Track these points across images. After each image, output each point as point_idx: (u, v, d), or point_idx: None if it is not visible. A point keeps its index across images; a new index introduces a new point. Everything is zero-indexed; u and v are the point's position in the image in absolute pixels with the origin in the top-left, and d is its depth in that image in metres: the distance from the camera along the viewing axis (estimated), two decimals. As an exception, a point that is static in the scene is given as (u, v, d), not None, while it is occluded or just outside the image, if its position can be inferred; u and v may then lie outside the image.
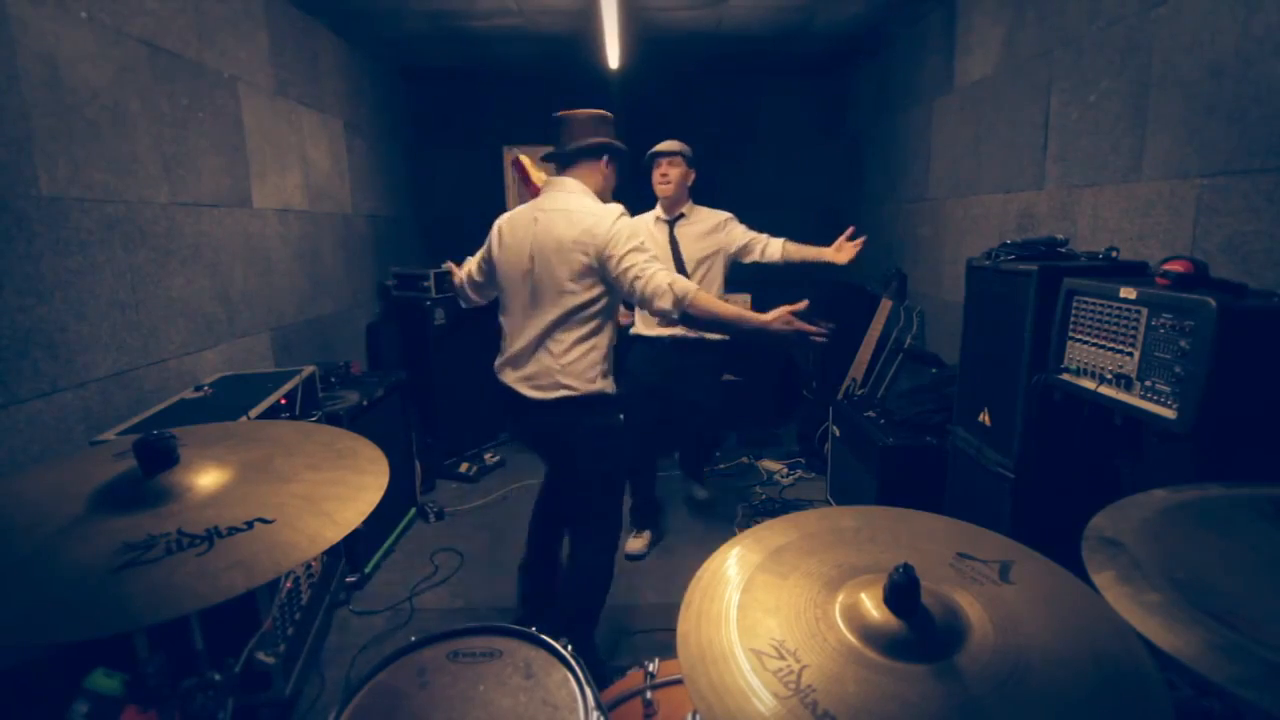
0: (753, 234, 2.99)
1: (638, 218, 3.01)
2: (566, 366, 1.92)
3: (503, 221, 2.08)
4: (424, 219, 5.20)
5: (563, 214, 1.90)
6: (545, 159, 2.05)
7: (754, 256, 2.98)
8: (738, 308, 1.92)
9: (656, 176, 2.92)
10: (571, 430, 1.99)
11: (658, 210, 3.02)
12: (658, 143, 2.93)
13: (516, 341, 1.99)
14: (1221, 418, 1.34)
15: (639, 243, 1.85)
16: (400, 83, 4.88)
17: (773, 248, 2.96)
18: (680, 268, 2.92)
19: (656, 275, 1.82)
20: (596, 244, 1.83)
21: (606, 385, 1.98)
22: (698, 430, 3.38)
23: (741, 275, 3.36)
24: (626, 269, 1.82)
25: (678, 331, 2.90)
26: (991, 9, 3.00)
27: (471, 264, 2.28)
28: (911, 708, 0.67)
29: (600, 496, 2.07)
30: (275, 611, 1.94)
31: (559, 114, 2.00)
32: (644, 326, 3.01)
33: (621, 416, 2.03)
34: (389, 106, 4.62)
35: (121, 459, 1.06)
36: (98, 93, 2.02)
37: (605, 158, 2.02)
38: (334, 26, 3.70)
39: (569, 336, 1.91)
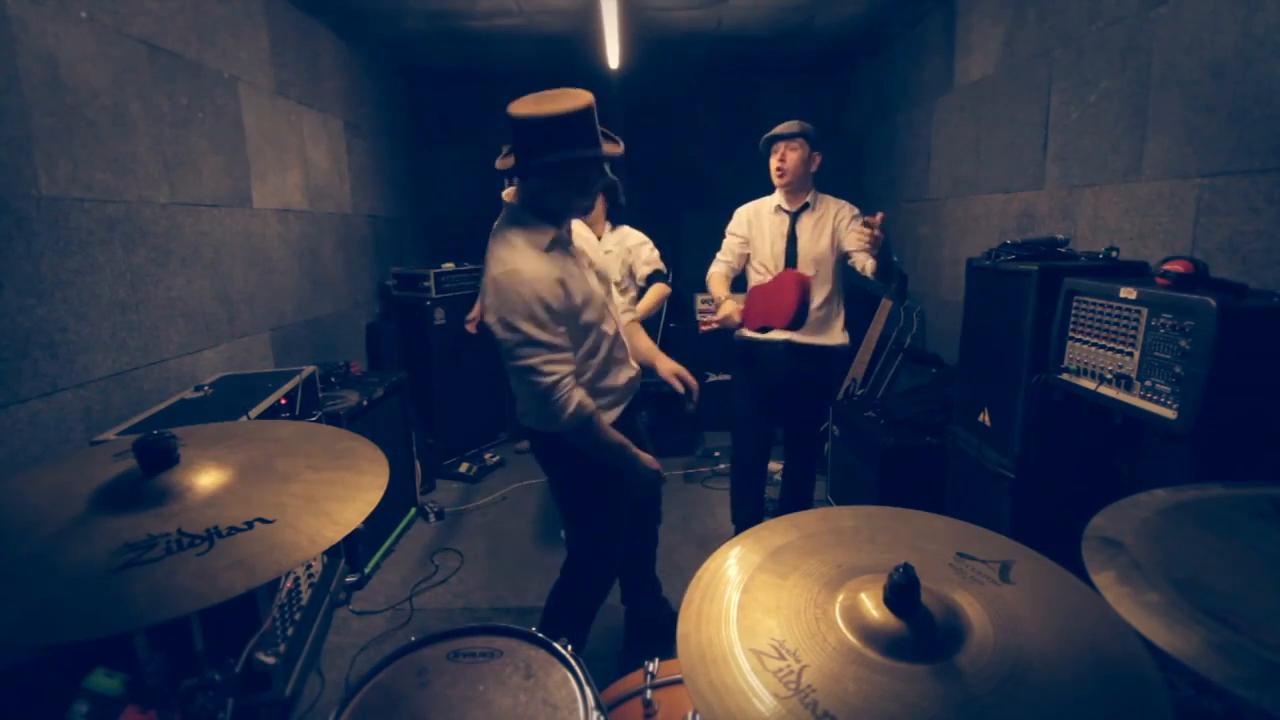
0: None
1: (747, 206, 2.80)
2: (521, 407, 1.77)
3: None
4: (424, 219, 5.20)
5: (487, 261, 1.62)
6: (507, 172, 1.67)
7: (855, 266, 2.59)
8: (622, 440, 1.71)
9: (773, 163, 2.62)
10: (539, 459, 1.89)
11: (778, 198, 2.70)
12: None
13: None
14: (1221, 418, 1.34)
15: (528, 335, 1.51)
16: (400, 83, 4.89)
17: (865, 264, 2.52)
18: (790, 267, 2.65)
19: (553, 389, 1.54)
20: (489, 318, 1.55)
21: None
22: (802, 453, 2.87)
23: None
24: (515, 370, 1.54)
25: (793, 336, 2.63)
26: (991, 9, 3.00)
27: None
28: (911, 708, 0.67)
29: (571, 520, 1.95)
30: (275, 611, 1.94)
31: (517, 111, 1.52)
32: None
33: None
34: (389, 106, 4.62)
35: (121, 459, 1.06)
36: (98, 93, 2.02)
37: (574, 176, 1.58)
38: (334, 26, 3.70)
39: (515, 382, 1.71)
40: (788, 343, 2.70)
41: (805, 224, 2.67)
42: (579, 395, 1.58)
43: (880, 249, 2.32)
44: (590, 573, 2.00)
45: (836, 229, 2.64)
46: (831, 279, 2.68)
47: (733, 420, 2.94)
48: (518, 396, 1.77)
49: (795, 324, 2.35)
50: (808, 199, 2.67)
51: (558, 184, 1.59)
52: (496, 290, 1.51)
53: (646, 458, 1.74)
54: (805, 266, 2.66)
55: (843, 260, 2.66)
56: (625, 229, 2.94)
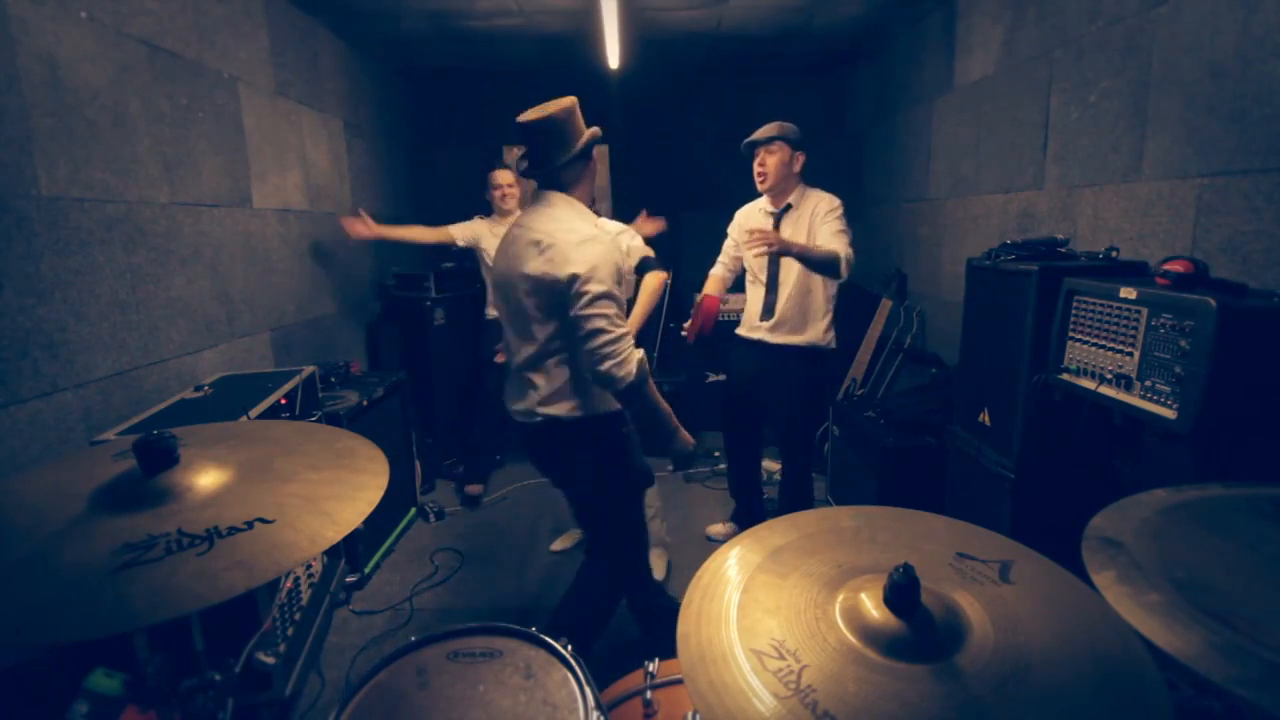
0: (834, 236, 2.53)
1: (743, 208, 2.91)
2: (545, 393, 1.81)
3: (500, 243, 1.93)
4: (424, 219, 5.17)
5: (535, 236, 1.73)
6: (525, 172, 1.83)
7: None
8: (669, 408, 1.84)
9: (755, 168, 2.67)
10: (557, 454, 1.92)
11: (764, 201, 2.78)
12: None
13: (511, 365, 1.93)
14: (1221, 418, 1.34)
15: (611, 288, 1.67)
16: (400, 83, 4.88)
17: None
18: (774, 268, 2.72)
19: (620, 341, 1.67)
20: (560, 280, 1.67)
21: (594, 406, 1.82)
22: (792, 452, 2.87)
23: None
24: (589, 316, 1.65)
25: (765, 336, 2.77)
26: (991, 9, 3.00)
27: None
28: (911, 708, 0.67)
29: (602, 517, 1.97)
30: (275, 611, 1.94)
31: (524, 120, 1.74)
32: (742, 327, 2.89)
33: (626, 428, 1.89)
34: (389, 106, 4.62)
35: (121, 459, 1.06)
36: (98, 93, 2.02)
37: (594, 151, 1.83)
38: (334, 26, 3.70)
39: (550, 365, 1.79)
40: (760, 342, 2.80)
41: (787, 224, 2.71)
42: (640, 352, 1.73)
43: (784, 253, 2.42)
44: (618, 573, 2.02)
45: (811, 225, 2.63)
46: (810, 278, 2.68)
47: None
48: (553, 378, 1.79)
49: (697, 343, 2.75)
50: (790, 199, 2.69)
51: (587, 165, 1.83)
52: (581, 250, 1.67)
53: (684, 431, 1.89)
54: (788, 268, 2.70)
55: None
56: (602, 221, 2.73)
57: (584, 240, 1.69)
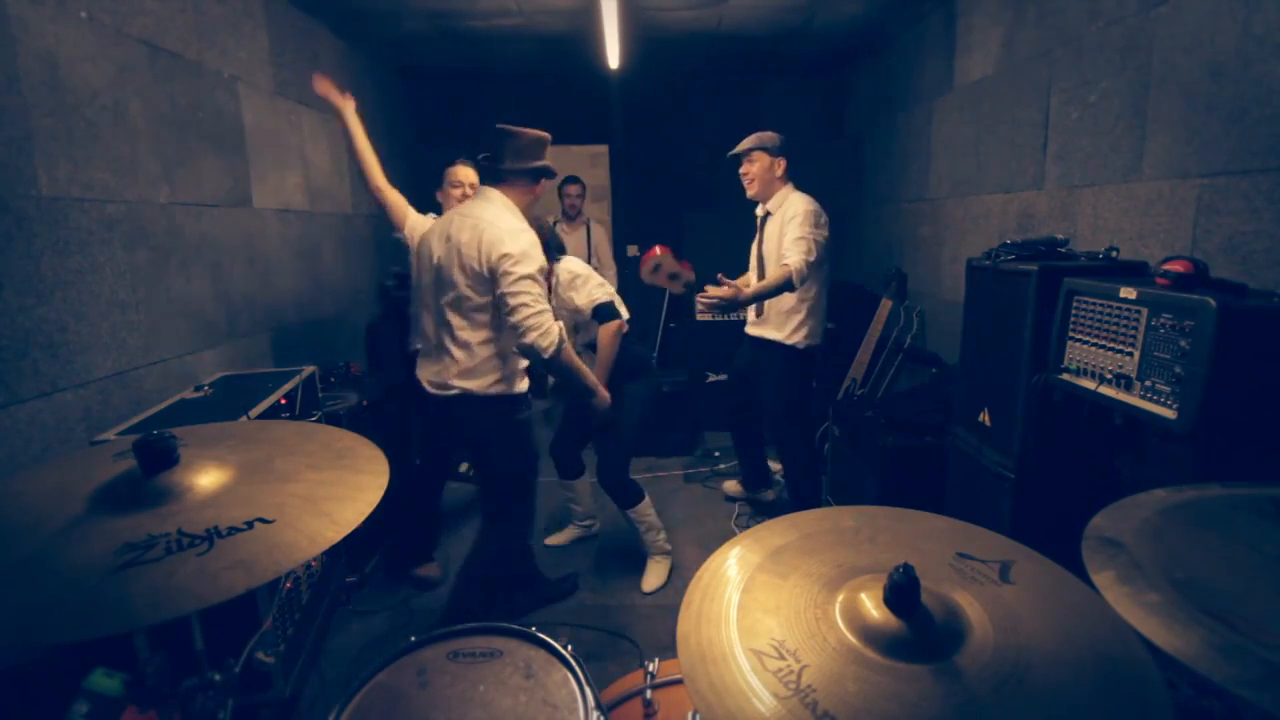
0: (792, 244, 2.64)
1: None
2: (464, 367, 2.02)
3: (434, 223, 2.19)
4: (424, 219, 5.20)
5: (474, 221, 1.97)
6: (479, 162, 2.08)
7: None
8: (593, 375, 2.14)
9: (741, 176, 2.86)
10: (466, 427, 2.11)
11: (758, 205, 2.96)
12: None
13: (424, 339, 2.15)
14: (1221, 418, 1.34)
15: (535, 272, 1.91)
16: (400, 83, 4.88)
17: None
18: (760, 269, 2.92)
19: (543, 315, 1.90)
20: (491, 259, 1.89)
21: (507, 386, 2.05)
22: (781, 440, 3.05)
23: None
24: (515, 293, 1.88)
25: (751, 329, 3.01)
26: (991, 9, 3.00)
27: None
28: (911, 708, 0.67)
29: (498, 491, 2.19)
30: (275, 611, 1.94)
31: (502, 127, 2.03)
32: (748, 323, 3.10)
33: (528, 412, 2.14)
34: (389, 106, 4.62)
35: (121, 459, 1.06)
36: (98, 93, 2.02)
37: (541, 181, 2.12)
38: (334, 27, 3.70)
39: (468, 337, 2.00)
40: (748, 334, 3.01)
41: (768, 228, 2.86)
42: (559, 324, 1.96)
43: (739, 304, 2.63)
44: (506, 551, 2.28)
45: (781, 232, 2.75)
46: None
47: None
48: (474, 354, 2.01)
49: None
50: (772, 205, 2.84)
51: (530, 185, 2.09)
52: (513, 235, 1.91)
53: (602, 390, 2.20)
54: (769, 267, 2.84)
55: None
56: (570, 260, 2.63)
57: (515, 229, 1.94)
